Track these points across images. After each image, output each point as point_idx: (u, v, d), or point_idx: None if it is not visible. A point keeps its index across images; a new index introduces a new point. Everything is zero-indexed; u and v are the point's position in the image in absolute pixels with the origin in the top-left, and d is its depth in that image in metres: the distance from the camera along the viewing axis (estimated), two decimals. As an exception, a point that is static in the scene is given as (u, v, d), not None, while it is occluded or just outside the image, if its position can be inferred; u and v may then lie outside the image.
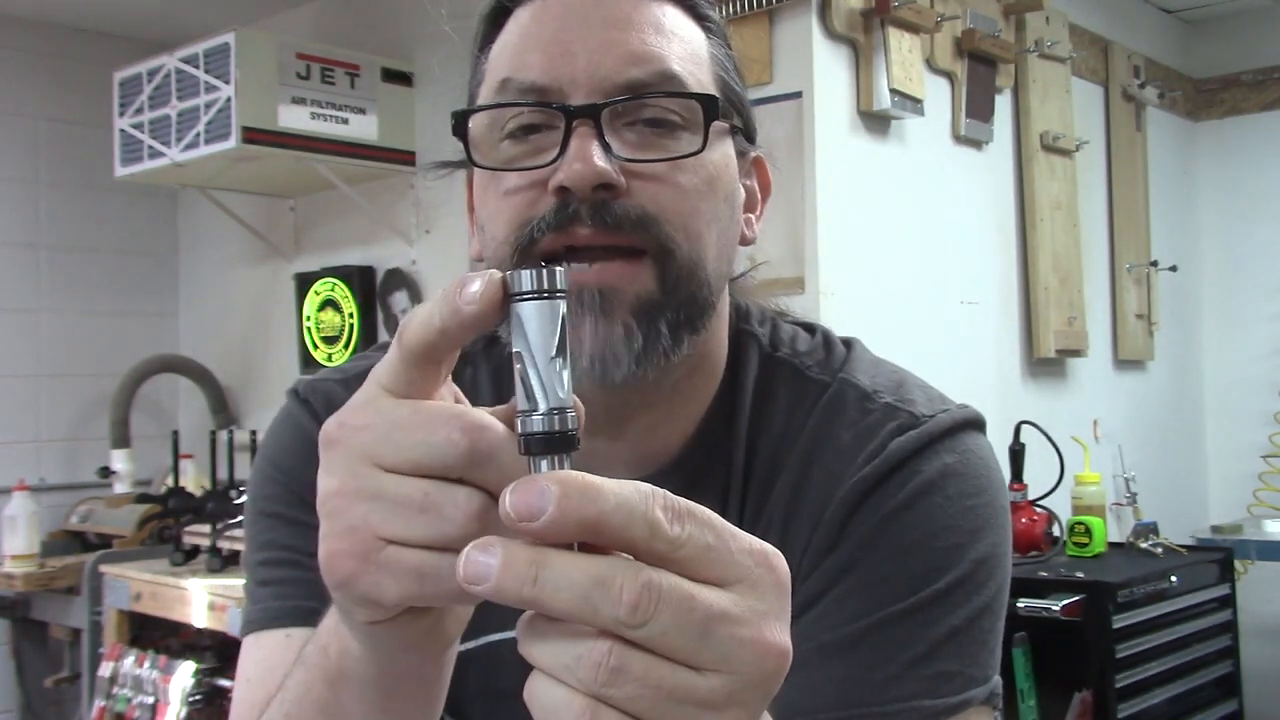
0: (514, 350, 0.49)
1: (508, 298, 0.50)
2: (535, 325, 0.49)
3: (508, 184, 0.78)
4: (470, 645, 0.89)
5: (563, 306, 0.49)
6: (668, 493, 0.46)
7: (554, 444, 0.48)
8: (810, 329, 0.93)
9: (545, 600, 0.45)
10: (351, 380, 0.91)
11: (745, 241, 0.86)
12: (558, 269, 0.49)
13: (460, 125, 0.79)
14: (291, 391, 0.94)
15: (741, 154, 0.85)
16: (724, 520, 0.48)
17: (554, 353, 0.48)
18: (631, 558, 0.46)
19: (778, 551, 0.48)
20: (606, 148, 0.75)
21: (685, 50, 0.80)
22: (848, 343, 0.91)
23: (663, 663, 0.45)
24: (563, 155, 0.75)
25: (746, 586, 0.47)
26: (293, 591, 0.87)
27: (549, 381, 0.48)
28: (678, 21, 0.81)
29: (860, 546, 0.79)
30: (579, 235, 0.75)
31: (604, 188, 0.74)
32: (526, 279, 0.49)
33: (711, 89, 0.81)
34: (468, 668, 0.90)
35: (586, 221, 0.74)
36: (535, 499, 0.45)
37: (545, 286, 0.49)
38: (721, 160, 0.81)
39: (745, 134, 0.86)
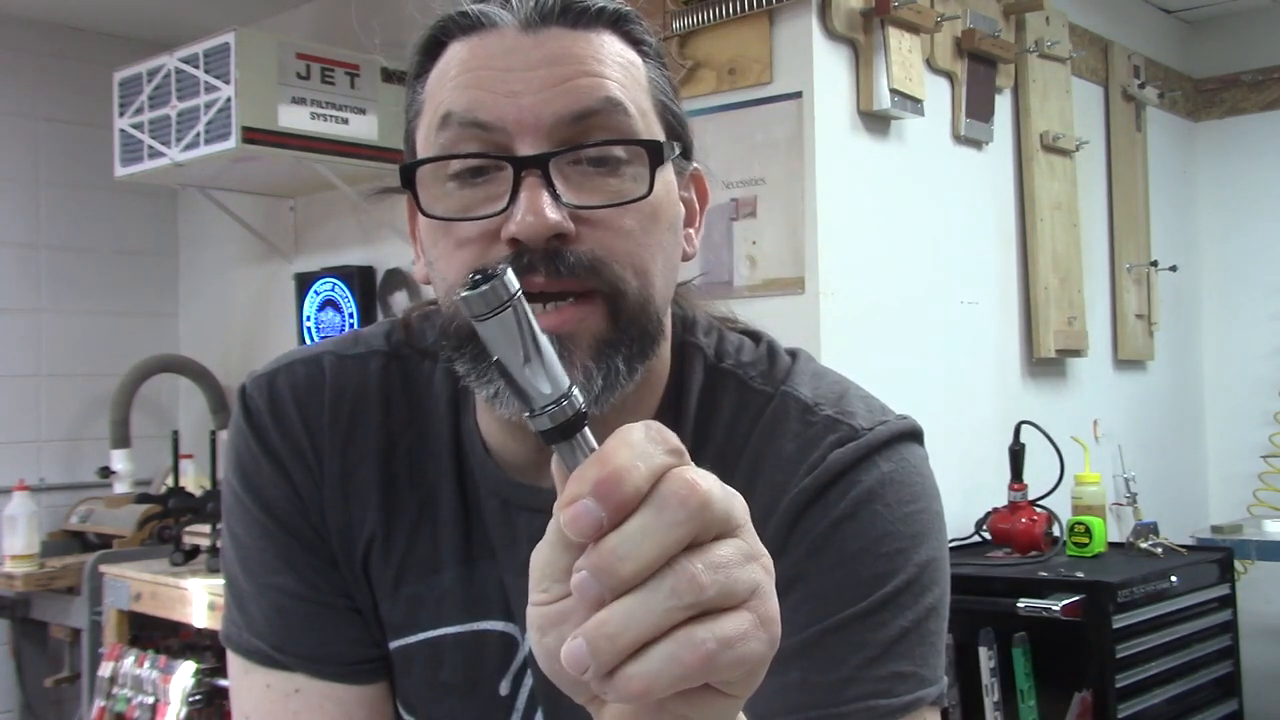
0: (494, 360, 0.52)
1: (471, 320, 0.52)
2: (500, 340, 0.51)
3: (459, 233, 0.79)
4: (411, 640, 0.91)
5: (515, 311, 0.51)
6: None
7: (561, 432, 0.52)
8: (756, 338, 0.94)
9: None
10: (296, 365, 0.93)
11: (686, 258, 0.87)
12: (498, 282, 0.51)
13: (408, 176, 0.80)
14: (239, 390, 0.94)
15: (679, 171, 0.86)
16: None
17: (524, 359, 0.51)
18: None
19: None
20: (555, 196, 0.76)
21: (625, 79, 0.80)
22: (792, 353, 0.92)
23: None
24: (513, 204, 0.76)
25: None
26: (307, 637, 0.90)
27: (529, 384, 0.52)
28: (615, 50, 0.81)
29: (807, 556, 0.81)
30: (535, 283, 0.76)
31: (556, 237, 0.76)
32: (475, 303, 0.51)
33: (652, 114, 0.82)
34: (412, 662, 0.91)
35: (541, 271, 0.76)
36: (580, 514, 0.51)
37: (492, 305, 0.51)
38: (664, 191, 0.81)
39: (683, 152, 0.86)
